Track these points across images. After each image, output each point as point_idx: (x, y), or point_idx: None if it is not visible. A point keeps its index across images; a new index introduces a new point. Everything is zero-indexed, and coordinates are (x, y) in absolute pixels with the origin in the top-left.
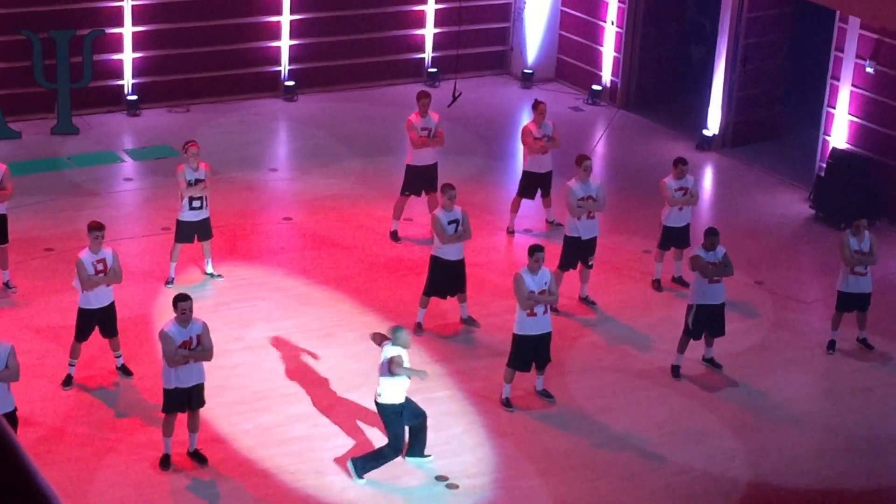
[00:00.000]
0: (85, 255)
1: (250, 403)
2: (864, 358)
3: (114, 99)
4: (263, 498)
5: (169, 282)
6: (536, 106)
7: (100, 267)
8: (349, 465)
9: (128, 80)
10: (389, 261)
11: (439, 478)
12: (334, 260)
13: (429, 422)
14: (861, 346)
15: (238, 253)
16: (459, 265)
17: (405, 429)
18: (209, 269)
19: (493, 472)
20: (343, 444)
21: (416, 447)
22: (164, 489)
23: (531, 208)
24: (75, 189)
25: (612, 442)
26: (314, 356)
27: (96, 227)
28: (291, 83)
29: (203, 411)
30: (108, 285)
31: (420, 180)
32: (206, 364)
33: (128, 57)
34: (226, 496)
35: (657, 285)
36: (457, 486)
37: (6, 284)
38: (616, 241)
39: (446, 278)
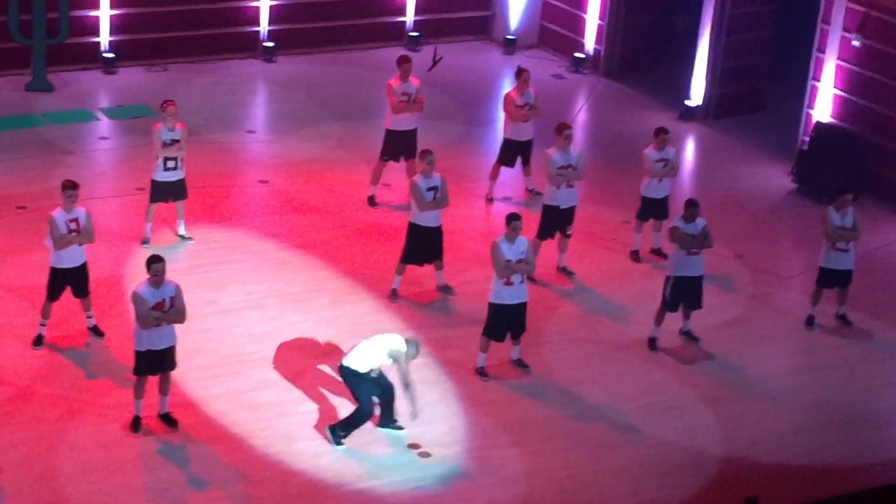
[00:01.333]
0: (58, 214)
1: (222, 367)
2: (843, 334)
3: (90, 56)
4: (234, 463)
5: (144, 241)
6: (520, 73)
7: (73, 226)
8: (327, 432)
9: (105, 38)
10: (366, 226)
11: (412, 446)
12: (310, 224)
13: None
14: (840, 323)
15: (213, 215)
16: (437, 232)
17: (370, 391)
18: (181, 231)
19: (467, 442)
20: (314, 409)
21: (387, 417)
22: (134, 452)
23: (510, 176)
24: (49, 147)
25: (587, 413)
26: (287, 321)
27: (70, 186)
28: (271, 44)
29: (175, 374)
30: (80, 245)
31: (399, 145)
32: (178, 327)
33: (105, 13)
34: (196, 460)
35: (635, 256)
36: (429, 455)
37: None
38: (595, 210)
39: (423, 245)
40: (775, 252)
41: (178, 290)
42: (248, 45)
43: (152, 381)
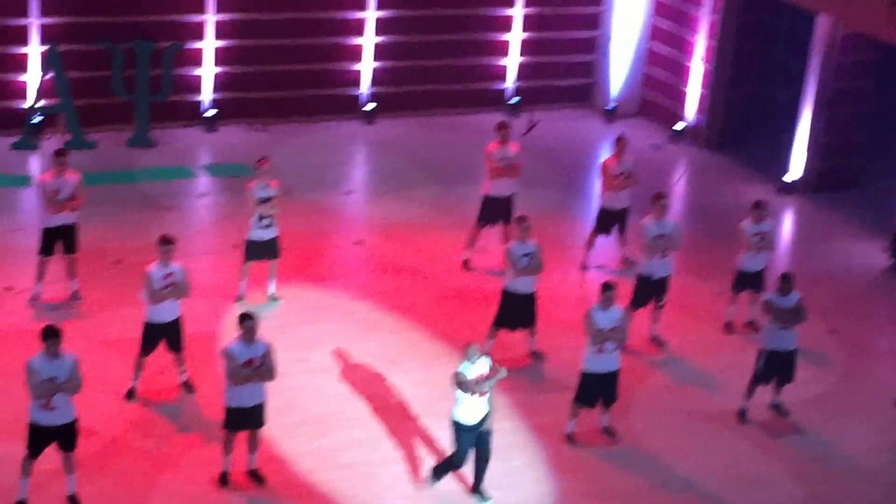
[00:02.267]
0: (154, 269)
1: (311, 426)
2: None
3: (191, 114)
4: None
5: (239, 299)
6: (619, 141)
7: (168, 281)
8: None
9: (207, 96)
10: (459, 290)
11: None
12: (403, 286)
13: (494, 454)
14: None
15: (307, 274)
16: (530, 298)
17: (471, 448)
18: (271, 291)
19: None
20: (402, 471)
21: (475, 481)
22: None
23: (606, 245)
24: (148, 202)
25: (673, 483)
26: (377, 382)
27: (167, 241)
28: (372, 106)
29: (264, 431)
30: (175, 299)
31: (496, 211)
32: (269, 384)
33: (208, 72)
34: None
35: (729, 328)
36: None
37: (74, 294)
38: (690, 281)
39: (516, 311)
40: (869, 328)
41: (269, 347)
42: (348, 107)
43: (241, 437)
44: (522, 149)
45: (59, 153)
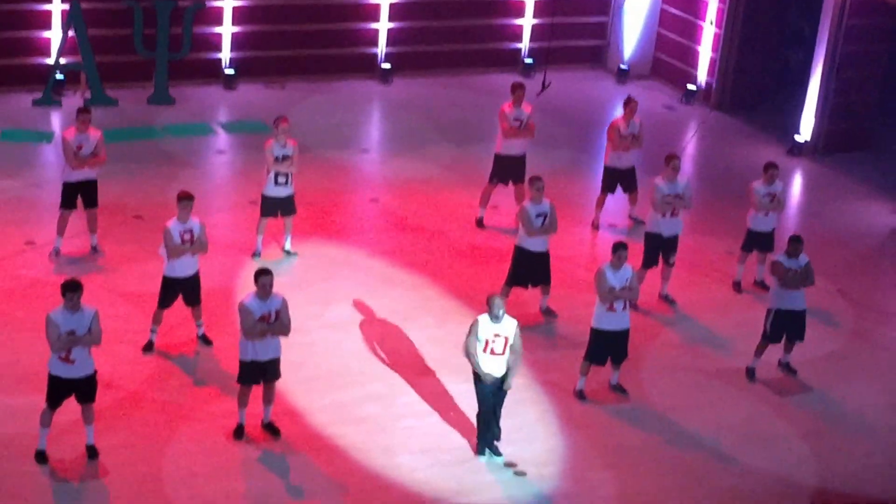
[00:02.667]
0: (172, 224)
1: (325, 380)
2: None
3: (211, 72)
4: (333, 474)
5: (255, 255)
6: (628, 103)
7: (186, 237)
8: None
9: (226, 54)
10: (473, 247)
11: (508, 464)
12: (418, 243)
13: (503, 410)
14: None
15: (323, 230)
16: (544, 257)
17: (489, 394)
18: (286, 246)
19: (562, 462)
20: (415, 425)
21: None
22: (236, 459)
23: (616, 204)
24: (167, 158)
25: (682, 440)
26: (392, 338)
27: (186, 197)
28: (388, 66)
29: (279, 385)
30: (193, 255)
31: (508, 170)
32: (284, 339)
33: (227, 31)
34: (295, 469)
35: (737, 287)
36: (524, 474)
37: (94, 248)
38: (700, 241)
39: (529, 269)
40: (878, 288)
41: (284, 303)
42: (365, 67)
43: (257, 390)
44: (535, 109)
45: (83, 111)
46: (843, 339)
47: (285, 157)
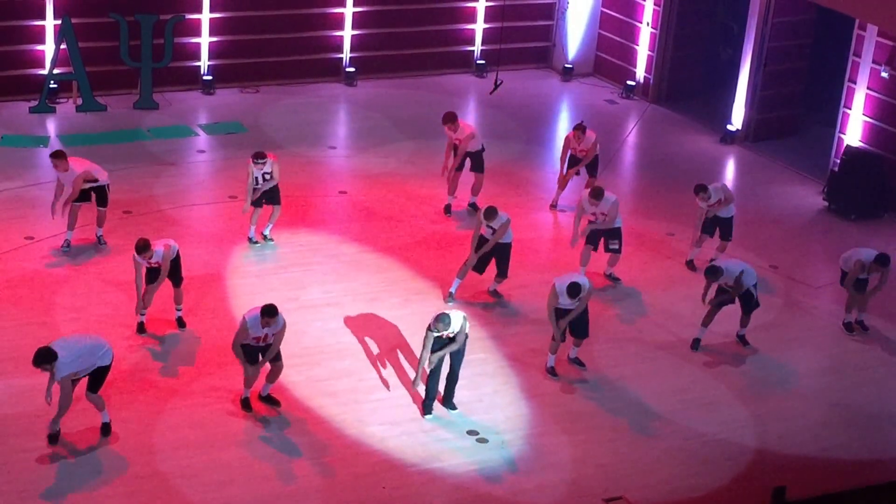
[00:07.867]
0: (138, 259)
1: (302, 357)
2: (866, 338)
3: (191, 78)
4: (310, 444)
5: (250, 240)
6: (579, 127)
7: (153, 264)
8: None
9: (204, 62)
10: (436, 233)
11: (470, 432)
12: (384, 231)
13: (463, 381)
14: (860, 328)
15: (297, 221)
16: (505, 247)
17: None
18: (266, 231)
19: (520, 430)
20: (384, 397)
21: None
22: (219, 431)
23: (575, 184)
24: (153, 158)
25: (632, 407)
26: (362, 317)
27: (143, 248)
28: (352, 70)
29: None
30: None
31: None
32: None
33: (205, 41)
34: (275, 440)
35: (691, 265)
36: (486, 441)
37: (99, 239)
38: (642, 223)
39: (488, 256)
40: (806, 263)
41: (282, 327)
42: (331, 71)
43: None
44: (490, 106)
45: (51, 155)
46: (777, 309)
47: (266, 176)
